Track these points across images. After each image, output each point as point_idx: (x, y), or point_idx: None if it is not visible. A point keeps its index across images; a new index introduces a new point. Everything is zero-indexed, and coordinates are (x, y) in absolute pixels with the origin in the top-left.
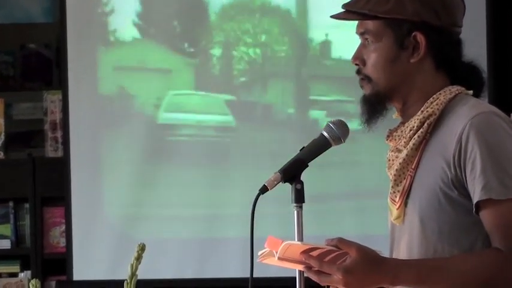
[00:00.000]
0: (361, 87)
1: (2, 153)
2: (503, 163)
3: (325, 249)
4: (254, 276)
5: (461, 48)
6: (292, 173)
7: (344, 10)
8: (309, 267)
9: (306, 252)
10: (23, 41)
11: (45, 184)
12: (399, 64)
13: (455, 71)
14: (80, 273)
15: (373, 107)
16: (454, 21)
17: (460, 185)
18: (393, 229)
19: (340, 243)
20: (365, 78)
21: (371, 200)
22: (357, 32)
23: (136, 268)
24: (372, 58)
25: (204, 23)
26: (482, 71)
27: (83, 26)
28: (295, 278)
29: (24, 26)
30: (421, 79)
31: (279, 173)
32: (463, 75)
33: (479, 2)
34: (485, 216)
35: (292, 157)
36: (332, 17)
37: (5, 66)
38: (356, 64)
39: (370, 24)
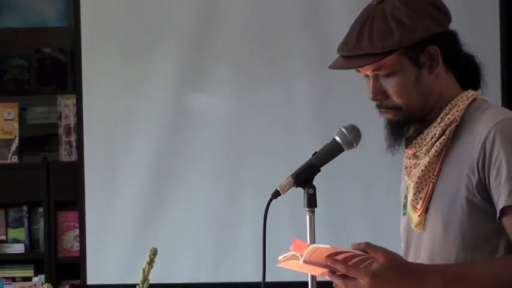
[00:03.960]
0: (387, 117)
1: (16, 157)
2: None
3: (349, 254)
4: (267, 280)
5: (459, 39)
6: (304, 177)
7: (344, 56)
8: (332, 272)
9: (331, 256)
10: (37, 45)
11: (59, 188)
12: (423, 82)
13: (459, 64)
14: (94, 277)
15: (401, 131)
16: (449, 18)
17: (483, 190)
18: (410, 236)
19: (368, 247)
20: (392, 109)
21: (383, 204)
22: (362, 70)
23: (149, 272)
24: (395, 88)
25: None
26: (475, 55)
27: (98, 30)
28: (307, 282)
29: (39, 30)
30: (440, 86)
31: (291, 178)
32: (463, 67)
33: (493, 4)
34: (509, 221)
35: (304, 162)
36: (333, 67)
37: (20, 71)
38: (377, 99)
39: (382, 60)
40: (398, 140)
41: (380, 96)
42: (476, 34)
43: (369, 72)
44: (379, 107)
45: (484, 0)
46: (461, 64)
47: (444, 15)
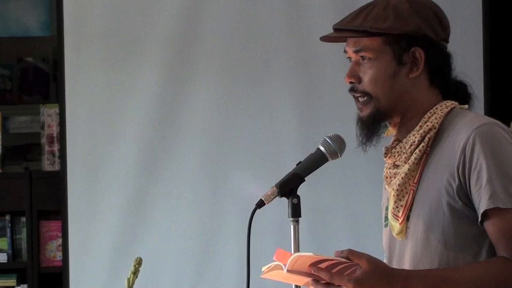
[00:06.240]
0: (359, 108)
1: None
2: (509, 173)
3: (333, 261)
4: None
5: (452, 63)
6: (289, 187)
7: (336, 30)
8: (316, 280)
9: (314, 264)
10: (20, 54)
11: (42, 198)
12: (398, 80)
13: (446, 85)
14: (77, 287)
15: (372, 127)
16: (447, 36)
17: (464, 195)
18: (393, 245)
19: (351, 254)
20: (363, 95)
21: (367, 214)
22: (348, 50)
23: (133, 282)
24: (369, 74)
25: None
26: (469, 85)
27: (80, 40)
28: None
29: (21, 39)
30: (417, 94)
31: (275, 188)
32: (452, 90)
33: (476, 8)
34: (491, 225)
35: (289, 171)
36: (323, 39)
37: (2, 80)
38: (351, 82)
39: (367, 41)
40: (370, 137)
41: (354, 79)
42: (459, 46)
43: (352, 55)
44: (351, 90)
45: (466, 12)
46: (451, 89)
47: (441, 26)
